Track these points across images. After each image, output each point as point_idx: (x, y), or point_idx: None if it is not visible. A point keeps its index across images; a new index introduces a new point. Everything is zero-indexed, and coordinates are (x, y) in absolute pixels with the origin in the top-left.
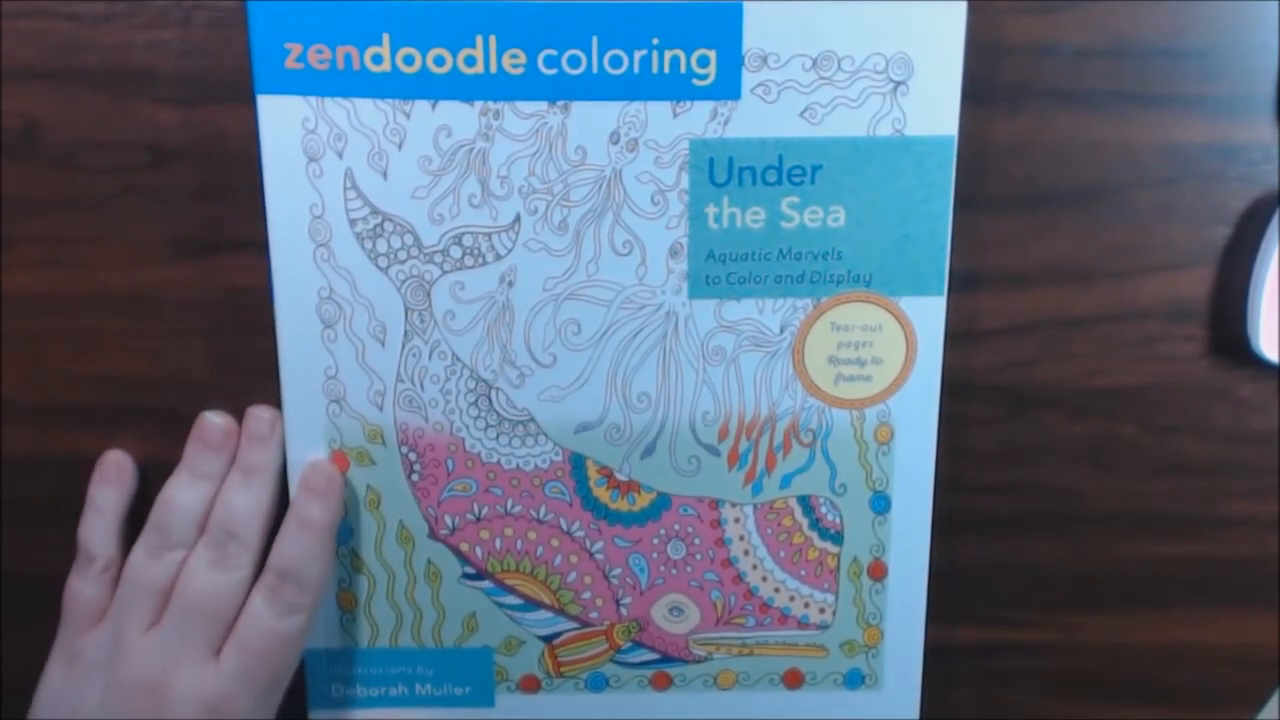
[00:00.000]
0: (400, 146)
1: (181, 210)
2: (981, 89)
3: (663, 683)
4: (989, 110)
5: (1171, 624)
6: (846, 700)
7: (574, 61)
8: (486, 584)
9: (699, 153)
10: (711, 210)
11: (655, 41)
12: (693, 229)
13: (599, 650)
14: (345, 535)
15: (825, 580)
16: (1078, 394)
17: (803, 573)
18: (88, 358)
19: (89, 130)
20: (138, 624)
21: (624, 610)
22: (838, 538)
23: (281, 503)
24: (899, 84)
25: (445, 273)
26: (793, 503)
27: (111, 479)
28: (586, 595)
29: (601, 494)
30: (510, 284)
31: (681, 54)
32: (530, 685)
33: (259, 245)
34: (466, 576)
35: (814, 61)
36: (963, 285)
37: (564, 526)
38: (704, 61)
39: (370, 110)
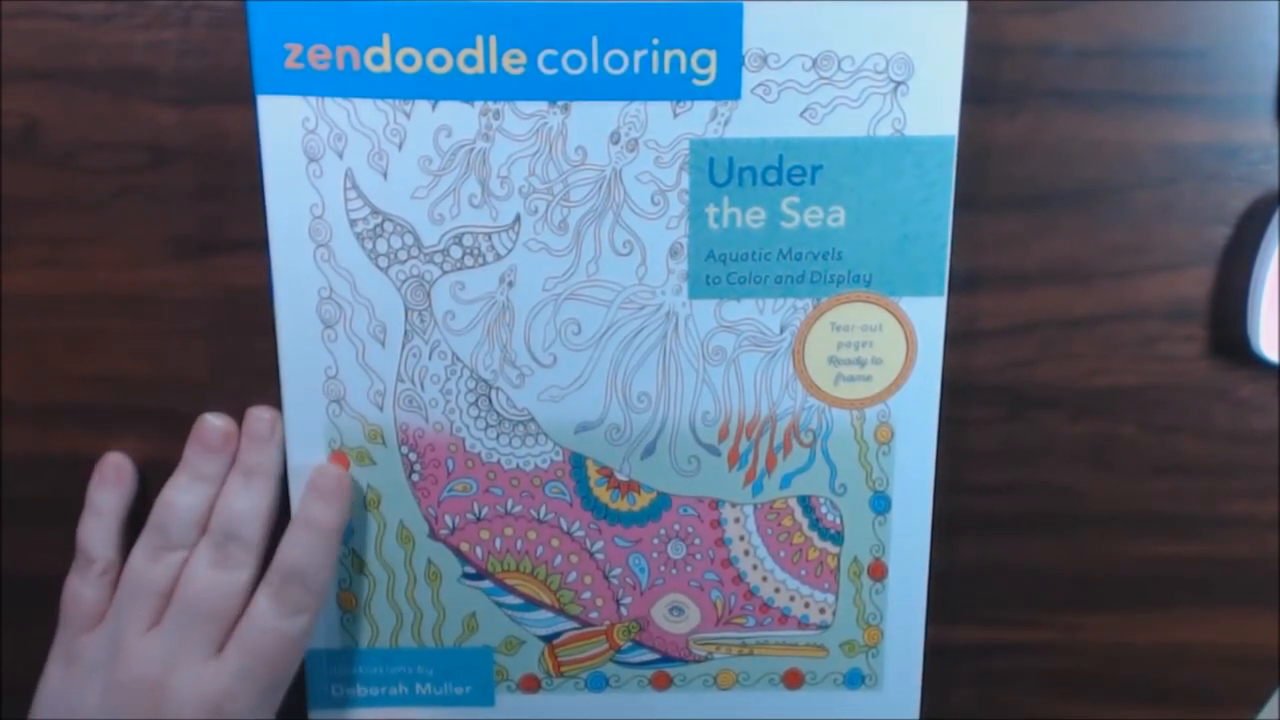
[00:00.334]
0: (400, 146)
1: (181, 210)
2: (981, 89)
3: (663, 683)
4: (989, 110)
5: (1171, 624)
6: (846, 700)
7: (574, 61)
8: (486, 584)
9: (699, 153)
10: (712, 210)
11: (655, 41)
12: (693, 229)
13: (599, 650)
14: (345, 535)
15: (825, 580)
16: (1078, 394)
17: (803, 573)
18: (88, 358)
19: (89, 130)
20: (138, 625)
21: (624, 610)
22: (838, 538)
23: (281, 505)
24: (899, 84)
25: (445, 273)
26: (793, 503)
27: (111, 481)
28: (587, 595)
29: (602, 494)
30: (510, 284)
31: (682, 54)
32: (530, 685)
33: (259, 245)
34: (466, 576)
35: (814, 61)
36: (963, 285)
37: (564, 526)
38: (704, 61)
39: (370, 110)
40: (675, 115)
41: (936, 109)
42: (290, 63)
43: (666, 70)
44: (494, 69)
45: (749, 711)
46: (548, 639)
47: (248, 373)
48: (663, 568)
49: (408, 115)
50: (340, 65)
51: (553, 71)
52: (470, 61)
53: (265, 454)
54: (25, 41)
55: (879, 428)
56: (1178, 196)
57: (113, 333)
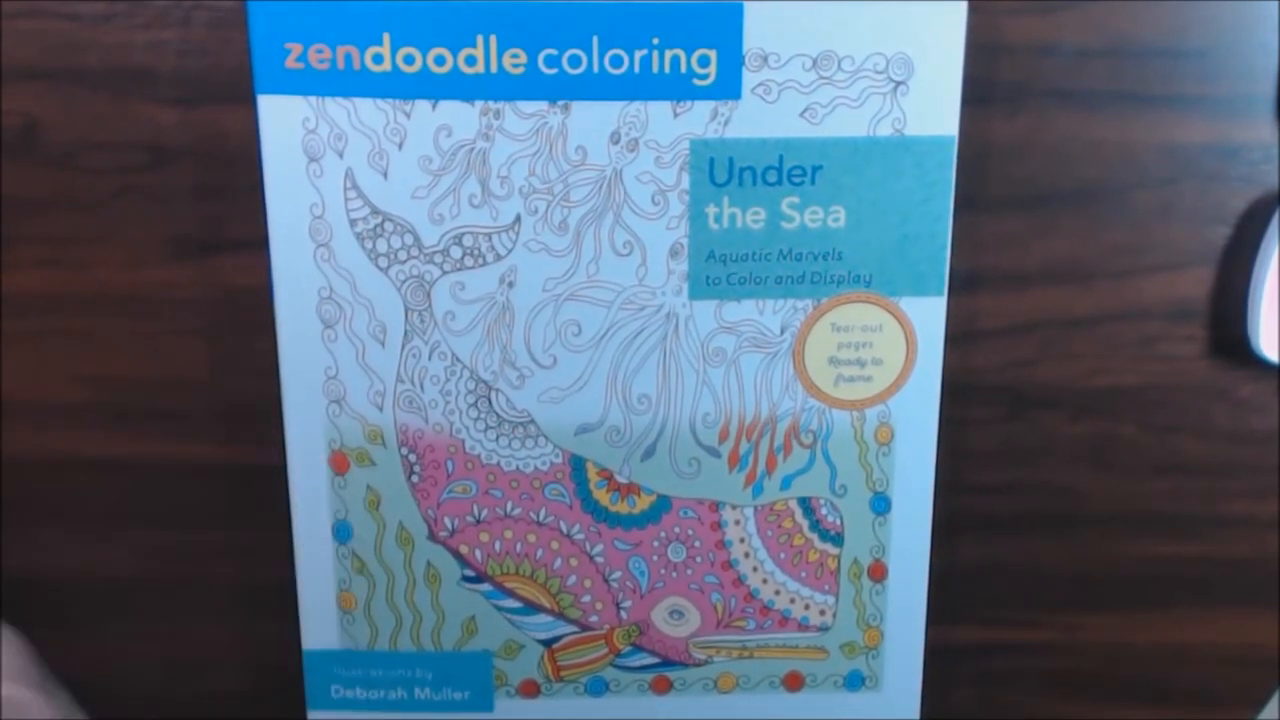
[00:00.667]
0: (400, 146)
1: (181, 210)
2: (981, 89)
3: (663, 686)
4: (989, 110)
5: (1171, 624)
6: (847, 702)
7: (574, 61)
8: (486, 587)
9: (699, 153)
10: (712, 210)
11: (656, 41)
12: (693, 229)
13: (599, 654)
14: (345, 536)
15: (826, 582)
16: (1078, 394)
17: (803, 575)
18: (88, 358)
19: (89, 130)
20: None
21: (624, 614)
22: (838, 539)
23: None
24: (899, 84)
25: (445, 273)
26: (793, 504)
27: None
28: (586, 599)
29: (601, 496)
30: (510, 284)
31: (682, 54)
32: (530, 690)
33: (259, 245)
34: (466, 579)
35: (814, 61)
36: (963, 285)
37: (564, 529)
38: (704, 61)
39: (370, 110)
40: (675, 115)
41: (936, 109)
42: (290, 62)
43: (666, 70)
44: (494, 68)
45: (749, 714)
46: (547, 643)
47: (248, 373)
48: (663, 571)
49: (408, 115)
50: (340, 65)
51: (553, 71)
52: (470, 61)
53: None
54: (25, 41)
55: (879, 428)
56: (1178, 196)
57: (113, 333)
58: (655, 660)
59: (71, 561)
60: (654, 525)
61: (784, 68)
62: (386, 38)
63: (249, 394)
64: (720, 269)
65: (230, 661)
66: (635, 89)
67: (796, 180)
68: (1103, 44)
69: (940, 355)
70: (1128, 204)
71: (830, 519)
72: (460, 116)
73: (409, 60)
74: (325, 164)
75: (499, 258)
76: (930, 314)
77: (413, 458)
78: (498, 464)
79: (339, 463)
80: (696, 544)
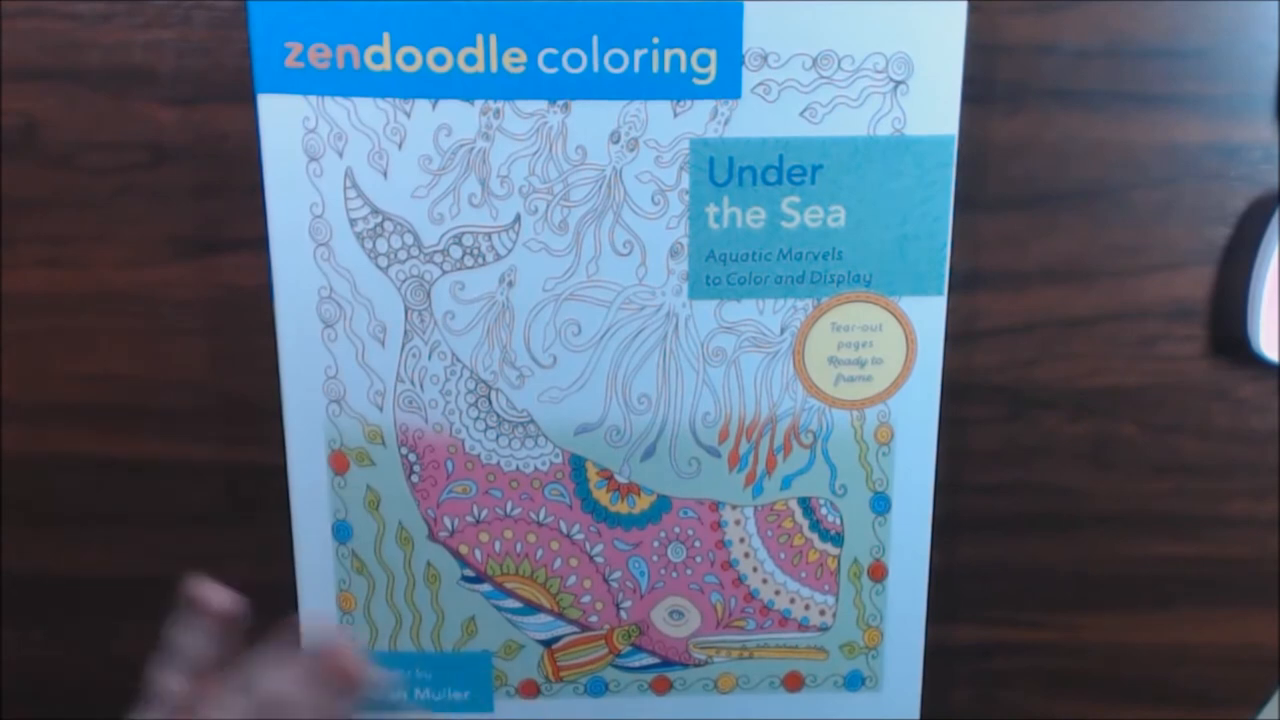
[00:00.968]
0: (400, 146)
1: (181, 210)
2: (981, 89)
3: (663, 687)
4: (989, 110)
5: (1171, 624)
6: (847, 702)
7: (574, 60)
8: (486, 587)
9: (699, 152)
10: (712, 210)
11: (655, 41)
12: (693, 229)
13: (599, 655)
14: (345, 536)
15: (825, 582)
16: (1078, 394)
17: (803, 575)
18: (88, 358)
19: (89, 130)
20: None
21: (624, 614)
22: (838, 539)
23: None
24: (899, 84)
25: (445, 273)
26: (793, 504)
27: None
28: (586, 599)
29: (601, 496)
30: (510, 284)
31: (682, 53)
32: (529, 690)
33: (259, 245)
34: (465, 579)
35: (814, 61)
36: (963, 285)
37: (564, 529)
38: (704, 61)
39: (370, 109)
40: (675, 115)
41: (936, 109)
42: (290, 61)
43: (666, 69)
44: (494, 68)
45: (749, 714)
46: (547, 643)
47: (248, 373)
48: (663, 571)
49: (408, 114)
50: (340, 64)
51: (553, 70)
52: (470, 60)
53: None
54: (25, 41)
55: (879, 428)
56: (1178, 196)
57: (113, 333)
58: (655, 660)
59: (71, 561)
60: (654, 525)
61: (784, 67)
62: (386, 37)
63: (249, 394)
64: (720, 269)
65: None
66: (635, 88)
67: (796, 180)
68: (1103, 44)
69: (940, 355)
70: (1128, 204)
71: (830, 519)
72: (460, 116)
73: (409, 59)
74: (325, 163)
75: (499, 257)
76: (930, 314)
77: (413, 458)
78: (498, 464)
79: (339, 463)
80: (696, 544)
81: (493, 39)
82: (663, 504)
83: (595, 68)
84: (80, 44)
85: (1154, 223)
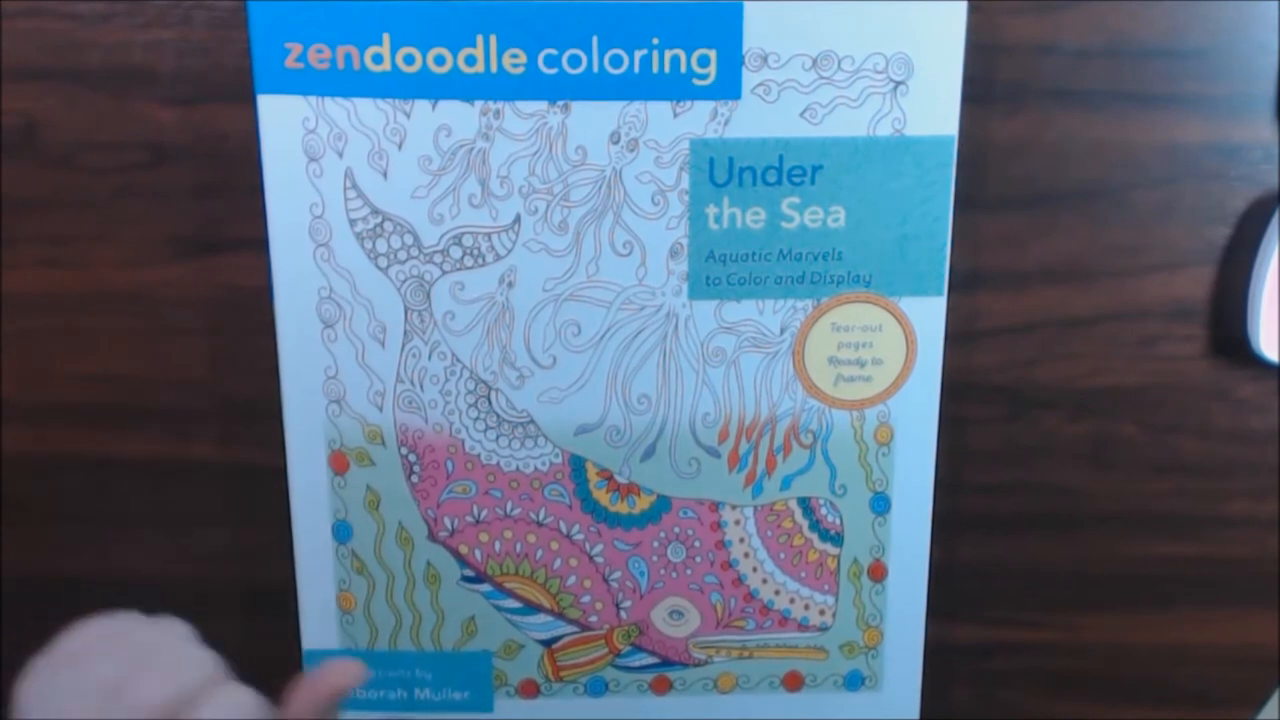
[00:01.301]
0: (400, 146)
1: (181, 210)
2: (981, 89)
3: (662, 687)
4: (989, 110)
5: (1171, 624)
6: (847, 702)
7: (574, 61)
8: (486, 587)
9: (699, 153)
10: (712, 210)
11: (655, 41)
12: (693, 229)
13: (598, 654)
14: (345, 536)
15: (825, 582)
16: (1078, 394)
17: (803, 575)
18: (88, 358)
19: (89, 130)
20: None
21: (624, 614)
22: (838, 539)
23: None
24: (899, 84)
25: (445, 273)
26: (793, 504)
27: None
28: (586, 599)
29: (601, 496)
30: (510, 284)
31: (682, 54)
32: (529, 690)
33: (259, 245)
34: (465, 579)
35: (814, 61)
36: (963, 285)
37: (563, 529)
38: (704, 61)
39: (370, 110)
40: (675, 115)
41: (936, 109)
42: (290, 62)
43: (666, 70)
44: (494, 68)
45: (749, 714)
46: (547, 643)
47: (248, 373)
48: (662, 571)
49: (408, 115)
50: (340, 64)
51: (553, 71)
52: (470, 61)
53: None
54: (25, 41)
55: (879, 428)
56: (1178, 196)
57: (113, 333)
58: (655, 660)
59: (71, 561)
60: (654, 525)
61: (784, 68)
62: (386, 38)
63: (249, 394)
64: (720, 269)
65: (230, 661)
66: (635, 89)
67: (796, 180)
68: (1103, 44)
69: (940, 355)
70: (1128, 204)
71: (830, 519)
72: (460, 116)
73: (409, 60)
74: (325, 164)
75: (499, 258)
76: (930, 314)
77: (412, 458)
78: (497, 464)
79: (339, 463)
80: (696, 544)
81: (493, 39)
82: (662, 504)
83: (595, 68)
84: (80, 44)
85: (1154, 223)
